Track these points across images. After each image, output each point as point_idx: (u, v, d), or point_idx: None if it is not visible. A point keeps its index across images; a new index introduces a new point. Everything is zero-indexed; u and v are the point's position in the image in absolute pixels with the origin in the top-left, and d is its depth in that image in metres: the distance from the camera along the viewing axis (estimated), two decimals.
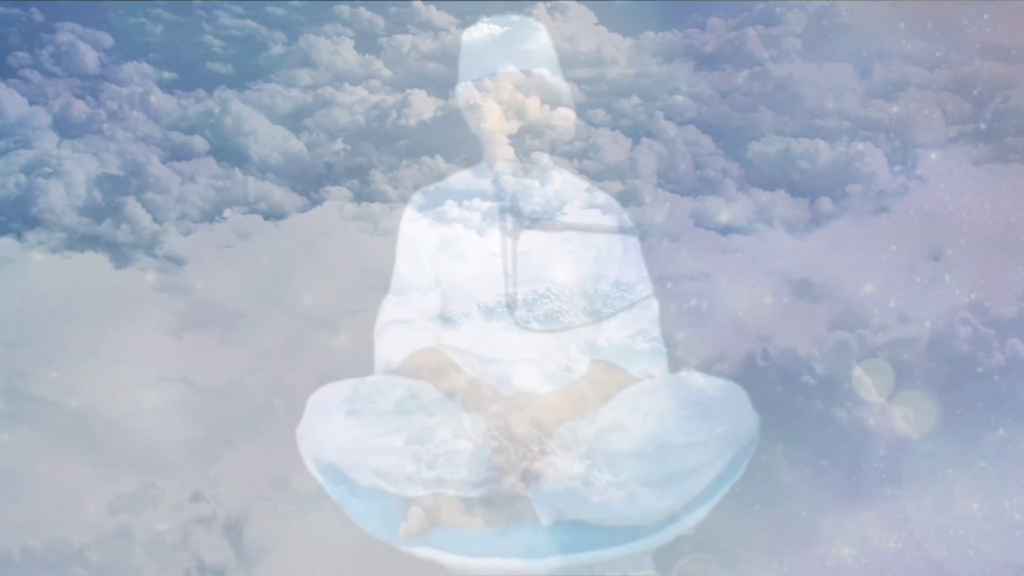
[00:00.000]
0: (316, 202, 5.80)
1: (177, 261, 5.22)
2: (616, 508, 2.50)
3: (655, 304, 2.98)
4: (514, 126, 2.95)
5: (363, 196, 5.82)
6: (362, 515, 2.64)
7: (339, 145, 6.31)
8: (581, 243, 2.98)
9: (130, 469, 3.93)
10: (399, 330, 2.92)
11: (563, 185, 3.06)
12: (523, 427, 2.63)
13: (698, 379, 2.76)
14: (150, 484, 3.86)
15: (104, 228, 5.45)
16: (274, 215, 5.66)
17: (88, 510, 3.76)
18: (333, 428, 2.67)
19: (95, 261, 5.19)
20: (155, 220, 5.50)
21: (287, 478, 3.74)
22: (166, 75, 6.64)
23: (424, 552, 2.55)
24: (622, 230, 3.02)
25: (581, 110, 6.12)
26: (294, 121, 6.42)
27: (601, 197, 3.09)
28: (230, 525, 3.76)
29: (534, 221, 2.94)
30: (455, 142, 3.26)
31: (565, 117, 2.99)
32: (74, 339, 4.49)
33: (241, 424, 4.16)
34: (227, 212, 5.58)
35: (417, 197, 3.11)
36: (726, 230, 5.46)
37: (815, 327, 4.51)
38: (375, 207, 5.67)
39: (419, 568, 2.58)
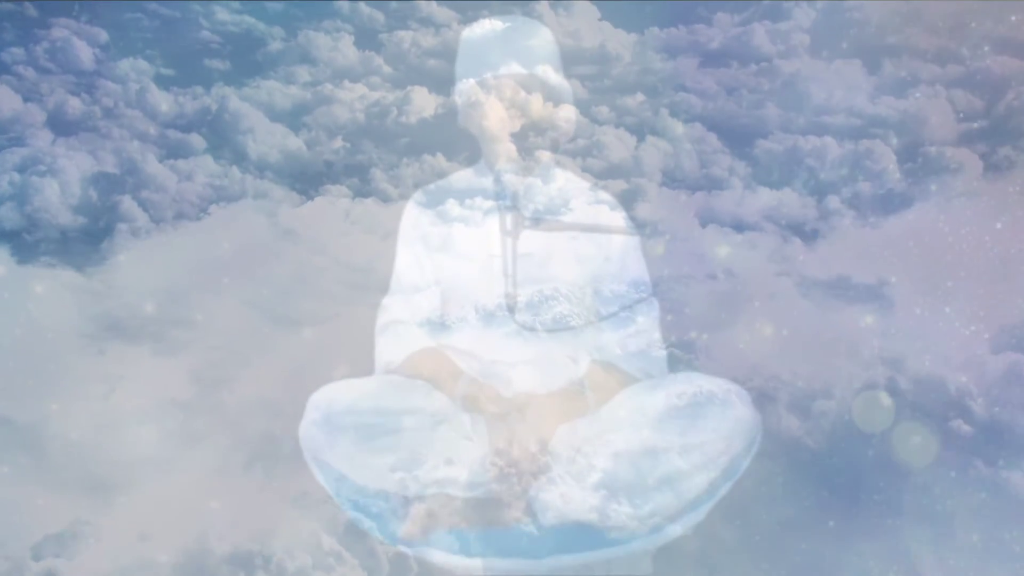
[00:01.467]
0: (311, 199, 5.76)
1: (161, 258, 5.14)
2: (635, 539, 2.51)
3: (655, 304, 2.99)
4: (516, 124, 2.93)
5: (363, 194, 5.79)
6: (363, 516, 2.63)
7: (339, 143, 6.29)
8: (582, 243, 2.96)
9: (69, 500, 3.39)
10: (399, 330, 2.92)
11: (565, 184, 3.04)
12: (525, 450, 2.59)
13: (697, 379, 2.77)
14: (85, 522, 3.33)
15: (95, 226, 5.40)
16: (264, 213, 5.61)
17: (11, 550, 3.25)
18: (334, 429, 2.67)
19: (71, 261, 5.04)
20: (152, 219, 5.45)
21: (250, 511, 3.32)
22: (163, 72, 6.62)
23: (424, 552, 2.56)
24: (623, 230, 3.02)
25: (585, 107, 6.08)
26: (293, 118, 6.41)
27: (603, 196, 3.08)
28: (180, 571, 3.22)
29: (535, 220, 2.90)
30: (456, 140, 3.21)
31: (567, 115, 2.95)
32: (29, 349, 4.19)
33: (208, 443, 3.70)
34: (212, 208, 5.53)
35: (418, 196, 3.11)
36: (740, 227, 5.39)
37: (963, 348, 3.30)
38: (369, 204, 5.63)
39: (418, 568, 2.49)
